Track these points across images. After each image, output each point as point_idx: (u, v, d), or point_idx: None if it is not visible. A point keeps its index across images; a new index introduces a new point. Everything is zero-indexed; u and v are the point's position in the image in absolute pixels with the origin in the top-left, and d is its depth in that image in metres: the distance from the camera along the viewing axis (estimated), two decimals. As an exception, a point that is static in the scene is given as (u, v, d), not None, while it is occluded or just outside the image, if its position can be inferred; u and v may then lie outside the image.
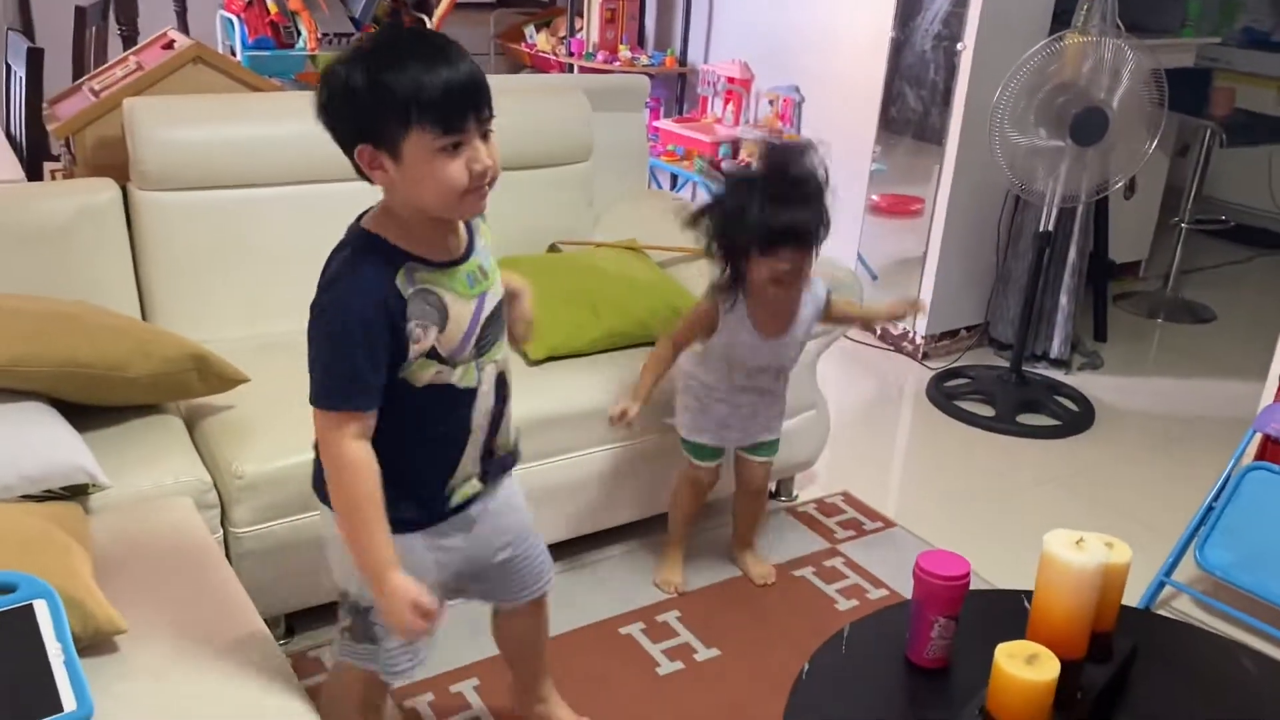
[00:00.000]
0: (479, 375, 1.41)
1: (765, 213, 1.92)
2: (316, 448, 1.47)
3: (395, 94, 1.22)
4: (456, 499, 1.49)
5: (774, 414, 2.28)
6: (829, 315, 2.21)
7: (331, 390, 1.30)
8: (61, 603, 1.34)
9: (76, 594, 1.38)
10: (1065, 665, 1.23)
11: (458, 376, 1.38)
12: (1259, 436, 2.44)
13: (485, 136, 1.28)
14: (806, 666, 1.43)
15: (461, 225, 1.40)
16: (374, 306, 1.28)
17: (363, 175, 1.31)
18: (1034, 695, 1.21)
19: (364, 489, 1.31)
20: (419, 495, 1.44)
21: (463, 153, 1.25)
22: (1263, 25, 5.49)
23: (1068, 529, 1.34)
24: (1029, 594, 1.57)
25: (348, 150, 1.29)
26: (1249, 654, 1.55)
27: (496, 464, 1.54)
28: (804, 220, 1.93)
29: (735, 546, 2.47)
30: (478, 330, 1.38)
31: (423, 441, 1.41)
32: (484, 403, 1.44)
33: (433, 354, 1.34)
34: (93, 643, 1.40)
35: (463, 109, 1.24)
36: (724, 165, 2.26)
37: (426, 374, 1.35)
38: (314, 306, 1.32)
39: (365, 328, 1.28)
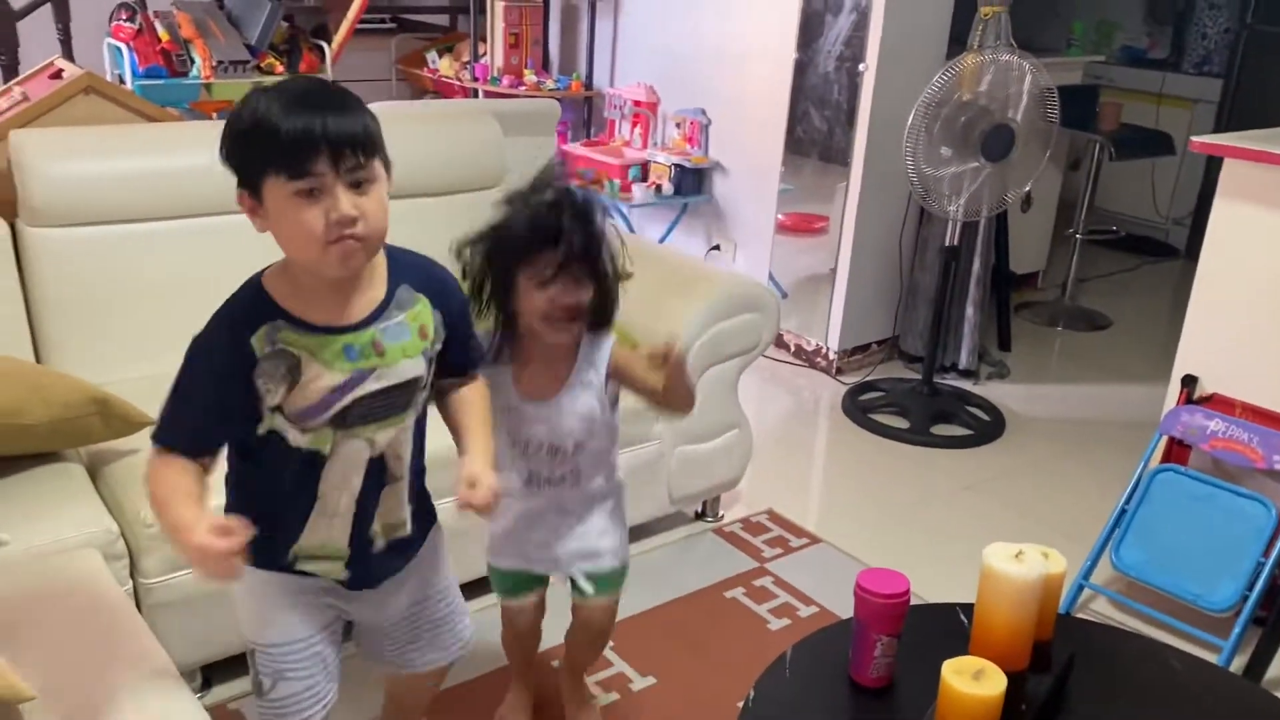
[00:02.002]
0: (336, 447, 1.32)
1: (535, 210, 1.57)
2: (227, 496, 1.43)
3: (253, 136, 1.20)
4: (306, 567, 1.41)
5: (595, 528, 1.77)
6: (615, 371, 1.70)
7: (159, 425, 1.31)
8: (-40, 672, 1.25)
9: (-25, 661, 1.29)
10: (1010, 677, 1.24)
11: (308, 442, 1.31)
12: (1165, 439, 2.52)
13: (356, 186, 1.21)
14: (752, 694, 1.41)
15: (374, 292, 1.31)
16: (220, 357, 1.27)
17: None
18: (983, 711, 1.21)
19: (164, 488, 1.26)
20: (262, 538, 1.30)
21: (320, 200, 1.19)
22: (1139, 44, 5.75)
23: (986, 538, 1.36)
24: (964, 607, 1.59)
25: None
26: (1175, 654, 1.59)
27: (380, 557, 1.44)
28: (581, 229, 1.56)
29: (564, 689, 2.01)
30: (341, 403, 1.29)
31: (267, 491, 1.35)
32: (340, 477, 1.35)
33: (279, 410, 1.29)
34: (-4, 712, 1.31)
35: (313, 153, 1.17)
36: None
37: (279, 424, 1.30)
38: None
39: (202, 375, 1.28)
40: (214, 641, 1.95)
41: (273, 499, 1.36)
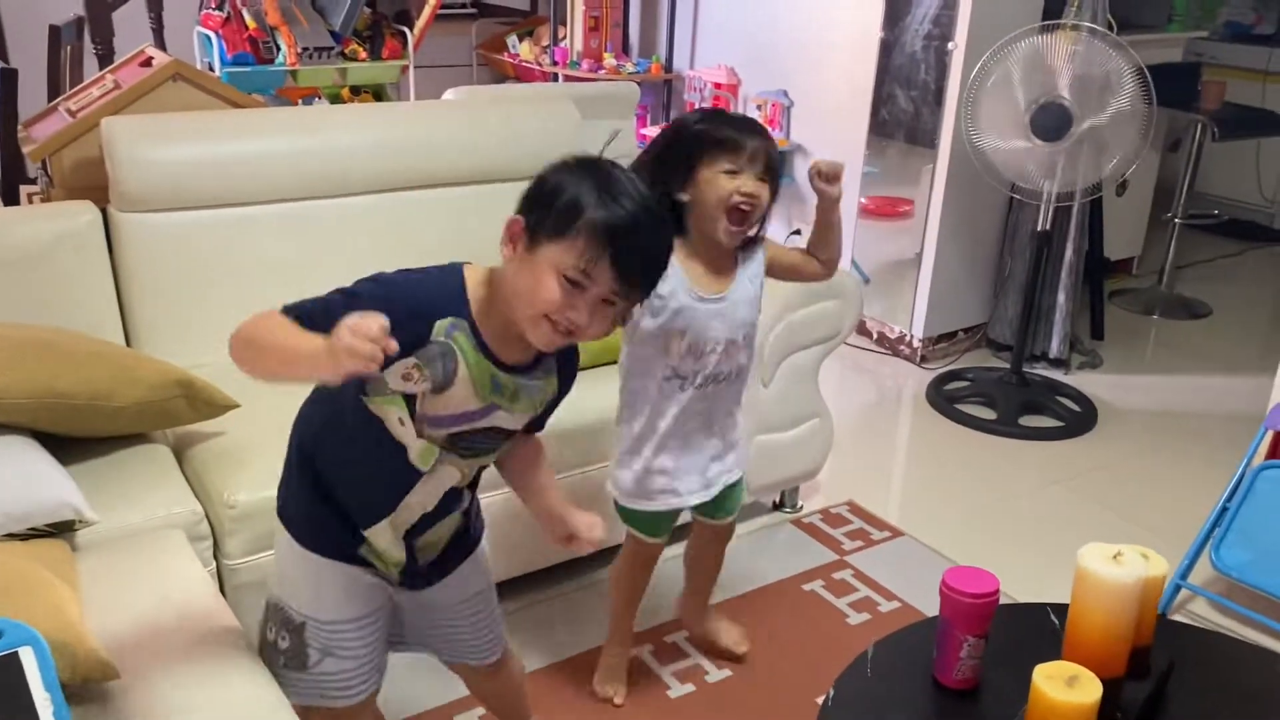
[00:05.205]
0: (435, 465, 1.38)
1: (708, 122, 1.70)
2: (284, 469, 1.49)
3: (577, 208, 1.24)
4: (365, 555, 1.45)
5: (732, 438, 1.91)
6: (771, 266, 1.84)
7: (298, 303, 1.27)
8: (49, 649, 1.26)
9: (64, 638, 1.31)
10: (1105, 684, 1.18)
11: (416, 452, 1.36)
12: (1270, 434, 2.40)
13: (608, 301, 1.27)
14: (832, 692, 1.37)
15: (532, 352, 1.37)
16: (397, 307, 1.20)
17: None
18: (1076, 719, 1.15)
19: (271, 321, 1.25)
20: (335, 520, 1.43)
21: (578, 293, 1.25)
22: (1245, 19, 5.49)
23: (1077, 534, 1.30)
24: (1055, 607, 1.53)
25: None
26: (1283, 662, 1.51)
27: (426, 568, 1.50)
28: (756, 130, 1.69)
29: (692, 612, 2.13)
30: (463, 426, 1.35)
31: (356, 474, 1.40)
32: (423, 496, 1.41)
33: (411, 403, 1.31)
34: (83, 689, 1.33)
35: (610, 266, 1.24)
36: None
37: (391, 413, 1.32)
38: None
39: (368, 304, 1.19)
40: (294, 622, 1.97)
41: (360, 482, 1.40)
